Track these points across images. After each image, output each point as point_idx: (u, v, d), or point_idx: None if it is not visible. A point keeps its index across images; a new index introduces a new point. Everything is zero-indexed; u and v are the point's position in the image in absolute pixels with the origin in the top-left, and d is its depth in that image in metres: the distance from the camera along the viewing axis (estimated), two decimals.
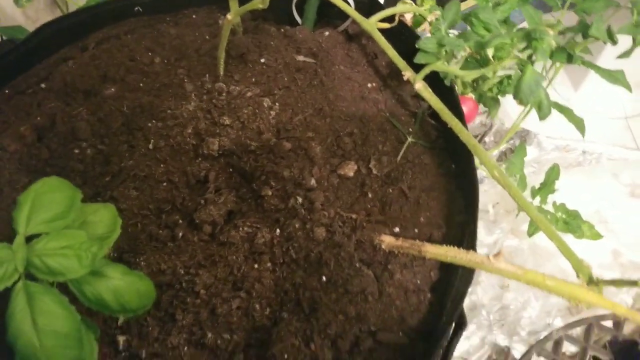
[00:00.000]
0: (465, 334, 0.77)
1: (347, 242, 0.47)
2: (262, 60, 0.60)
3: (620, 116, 0.91)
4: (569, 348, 0.72)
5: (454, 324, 0.40)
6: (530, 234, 0.74)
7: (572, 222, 0.78)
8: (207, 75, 0.60)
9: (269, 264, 0.48)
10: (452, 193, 0.52)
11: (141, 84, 0.60)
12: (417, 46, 0.49)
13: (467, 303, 0.78)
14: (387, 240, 0.46)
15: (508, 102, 0.88)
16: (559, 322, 0.77)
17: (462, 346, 0.75)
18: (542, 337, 0.70)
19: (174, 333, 0.45)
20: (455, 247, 0.42)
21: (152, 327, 0.45)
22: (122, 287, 0.35)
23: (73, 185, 0.36)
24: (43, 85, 0.61)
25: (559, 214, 0.77)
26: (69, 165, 0.54)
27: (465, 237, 0.46)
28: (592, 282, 0.39)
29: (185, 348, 0.45)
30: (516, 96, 0.45)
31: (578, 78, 0.94)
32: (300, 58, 0.61)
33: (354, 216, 0.50)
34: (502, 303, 0.79)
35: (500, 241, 0.83)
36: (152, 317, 0.46)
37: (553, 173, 0.76)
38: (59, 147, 0.55)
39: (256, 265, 0.48)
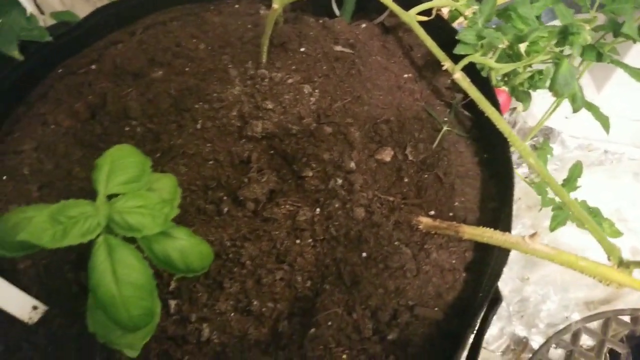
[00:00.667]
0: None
1: (386, 222, 0.50)
2: (302, 49, 0.63)
3: None
4: (586, 341, 0.75)
5: (489, 300, 0.43)
6: (552, 228, 0.77)
7: (593, 219, 0.80)
8: (250, 62, 0.63)
9: (310, 240, 0.51)
10: (485, 181, 0.54)
11: (187, 69, 0.63)
12: (457, 37, 0.51)
13: None
14: (424, 221, 0.49)
15: (532, 101, 0.90)
16: (576, 317, 0.80)
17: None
18: (560, 329, 0.73)
19: (222, 300, 0.48)
20: (491, 229, 0.44)
21: (201, 294, 0.48)
22: (188, 247, 0.38)
23: (142, 154, 0.39)
24: (93, 67, 0.64)
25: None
26: (120, 142, 0.56)
27: (500, 222, 0.48)
28: (622, 264, 0.41)
29: (232, 314, 0.47)
30: (552, 88, 0.48)
31: (601, 81, 0.96)
32: (338, 48, 0.64)
33: (391, 199, 0.52)
34: (522, 295, 0.81)
35: (521, 235, 0.85)
36: (201, 284, 0.48)
37: (576, 170, 0.78)
38: (111, 125, 0.58)
39: (298, 241, 0.51)
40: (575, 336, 0.72)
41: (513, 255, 0.86)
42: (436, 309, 0.46)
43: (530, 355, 0.73)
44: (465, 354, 0.43)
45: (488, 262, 0.46)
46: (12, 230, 0.35)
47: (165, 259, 0.37)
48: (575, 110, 0.51)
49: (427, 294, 0.46)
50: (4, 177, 0.56)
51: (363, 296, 0.45)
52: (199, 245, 0.39)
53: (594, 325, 0.73)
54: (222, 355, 0.45)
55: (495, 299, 0.43)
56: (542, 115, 0.72)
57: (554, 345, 0.72)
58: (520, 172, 0.85)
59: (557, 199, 0.77)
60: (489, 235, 0.44)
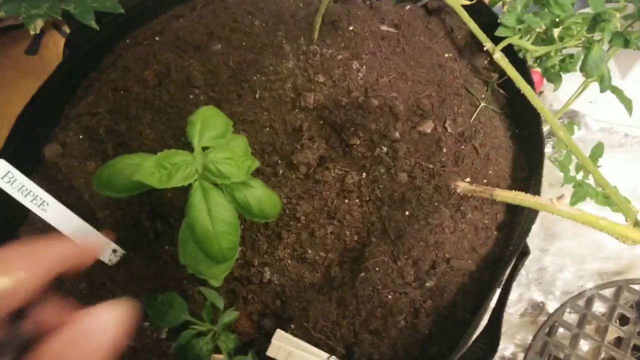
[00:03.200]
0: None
1: (427, 186, 0.56)
2: (351, 28, 0.68)
3: None
4: (599, 308, 0.81)
5: (518, 253, 0.49)
6: (573, 203, 0.82)
7: (609, 197, 0.85)
8: (302, 38, 0.68)
9: (357, 200, 0.57)
10: (516, 153, 0.60)
11: (244, 43, 0.68)
12: (499, 21, 0.56)
13: None
14: (462, 185, 0.55)
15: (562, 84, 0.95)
16: (590, 286, 0.85)
17: None
18: (575, 295, 0.78)
19: (280, 248, 0.54)
20: (522, 192, 0.50)
21: (262, 242, 0.54)
22: (263, 196, 0.44)
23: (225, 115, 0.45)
24: (157, 38, 0.70)
25: (599, 189, 0.84)
26: (186, 107, 0.63)
27: (530, 188, 0.54)
28: (638, 224, 0.47)
29: (289, 261, 0.54)
30: (582, 69, 0.53)
31: (626, 68, 1.00)
32: (384, 28, 0.69)
33: (431, 166, 0.58)
34: (540, 265, 0.87)
35: (542, 211, 0.90)
36: (262, 235, 0.55)
37: (597, 150, 0.83)
38: (177, 92, 0.64)
39: (346, 201, 0.57)
40: (589, 301, 0.78)
41: (534, 228, 0.92)
42: (470, 261, 0.52)
43: (546, 318, 0.79)
44: (495, 299, 0.50)
45: (518, 222, 0.52)
46: (119, 174, 0.42)
47: (244, 205, 0.43)
48: (602, 91, 0.56)
49: (462, 248, 0.52)
50: (81, 136, 0.63)
51: (406, 248, 0.52)
52: (271, 195, 0.45)
53: (607, 292, 0.79)
54: (282, 294, 0.52)
55: (524, 252, 0.49)
56: (567, 99, 0.77)
57: (568, 310, 0.79)
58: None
59: (578, 177, 0.82)
60: (520, 197, 0.50)
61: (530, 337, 0.79)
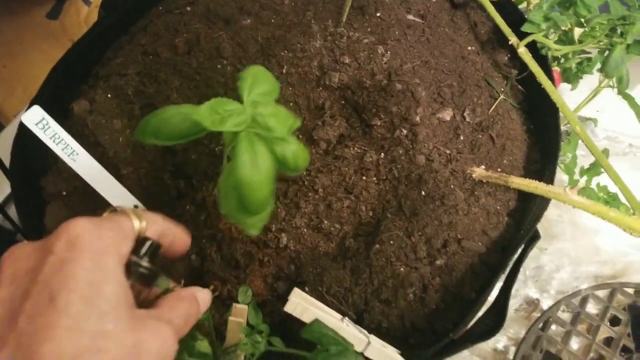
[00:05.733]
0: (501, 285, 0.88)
1: (443, 169, 0.58)
2: (378, 14, 0.70)
3: None
4: (592, 308, 0.83)
5: (529, 237, 0.51)
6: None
7: (611, 202, 0.87)
8: (330, 20, 0.70)
9: (374, 178, 0.59)
10: (530, 146, 0.62)
11: (272, 20, 0.70)
12: (526, 17, 0.58)
13: None
14: (478, 171, 0.57)
15: (566, 90, 0.97)
16: (585, 287, 0.88)
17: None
18: (570, 293, 0.81)
19: (298, 217, 0.56)
20: (536, 181, 0.52)
21: (280, 210, 0.56)
22: (298, 150, 0.45)
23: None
24: (189, 9, 0.72)
25: (600, 194, 0.86)
26: (213, 76, 0.65)
27: (543, 178, 0.56)
28: None
29: (305, 230, 0.56)
30: (603, 69, 0.55)
31: (633, 82, 1.03)
32: (410, 17, 0.71)
33: (448, 151, 0.60)
34: (538, 263, 0.89)
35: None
36: (281, 203, 0.57)
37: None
38: (205, 61, 0.66)
39: (364, 178, 0.59)
40: (584, 300, 0.80)
41: None
42: (480, 243, 0.54)
43: (540, 314, 0.81)
44: (503, 280, 0.52)
45: (529, 210, 0.54)
46: (166, 122, 0.43)
47: (282, 159, 0.45)
48: (620, 91, 0.59)
49: (474, 231, 0.54)
50: (109, 95, 0.65)
51: (420, 225, 0.54)
52: (304, 150, 0.47)
53: (601, 293, 0.81)
54: (297, 259, 0.54)
55: (534, 237, 0.51)
56: (576, 105, 0.79)
57: (563, 308, 0.81)
58: None
59: (582, 181, 0.85)
60: (534, 185, 0.52)
61: (523, 332, 0.81)
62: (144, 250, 0.34)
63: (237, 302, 0.44)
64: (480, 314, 0.51)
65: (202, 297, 0.38)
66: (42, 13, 1.11)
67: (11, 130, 0.95)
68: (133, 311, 0.30)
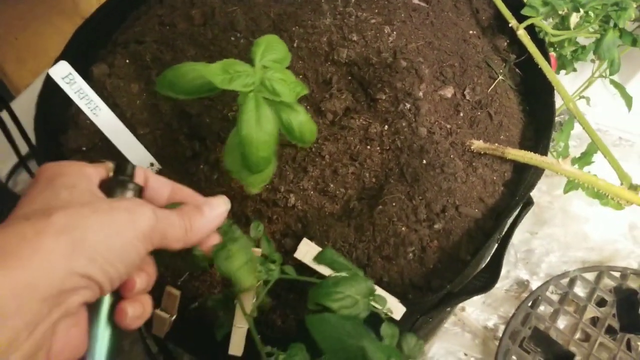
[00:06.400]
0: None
1: (444, 141, 0.61)
2: None
3: None
4: (580, 289, 0.87)
5: (522, 204, 0.54)
6: (566, 191, 0.88)
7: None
8: (340, 0, 0.73)
9: (378, 148, 0.62)
10: (526, 125, 0.66)
11: None
12: (524, 0, 0.62)
13: None
14: (476, 143, 0.60)
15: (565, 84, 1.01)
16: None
17: None
18: (559, 274, 0.85)
19: (305, 180, 0.59)
20: (531, 152, 0.56)
21: (289, 173, 0.59)
22: (304, 121, 0.49)
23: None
24: None
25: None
26: (227, 48, 0.68)
27: (537, 152, 0.60)
28: (632, 187, 0.52)
29: (312, 192, 0.59)
30: (596, 52, 0.59)
31: (626, 78, 1.07)
32: (416, 1, 0.74)
33: (448, 126, 0.63)
34: (528, 246, 0.93)
35: (535, 198, 0.96)
36: (289, 167, 0.60)
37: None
38: (220, 33, 0.69)
39: (368, 147, 0.62)
40: (572, 281, 0.84)
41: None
42: (477, 210, 0.57)
43: (529, 294, 0.85)
44: (496, 244, 0.55)
45: (524, 180, 0.58)
46: (182, 76, 0.46)
47: (287, 126, 0.48)
48: (611, 73, 0.62)
49: (471, 198, 0.58)
50: (127, 60, 0.67)
51: (421, 190, 0.57)
52: (311, 122, 0.50)
53: (589, 275, 0.85)
54: (304, 218, 0.57)
55: (528, 202, 0.55)
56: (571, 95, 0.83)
57: (552, 288, 0.84)
58: None
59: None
60: (529, 156, 0.56)
61: (514, 311, 0.85)
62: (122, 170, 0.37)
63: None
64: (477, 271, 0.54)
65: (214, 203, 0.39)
66: None
67: (23, 100, 0.98)
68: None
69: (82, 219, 0.29)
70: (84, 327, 0.31)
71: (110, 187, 0.35)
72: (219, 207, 0.39)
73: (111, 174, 0.37)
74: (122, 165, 0.37)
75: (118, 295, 0.34)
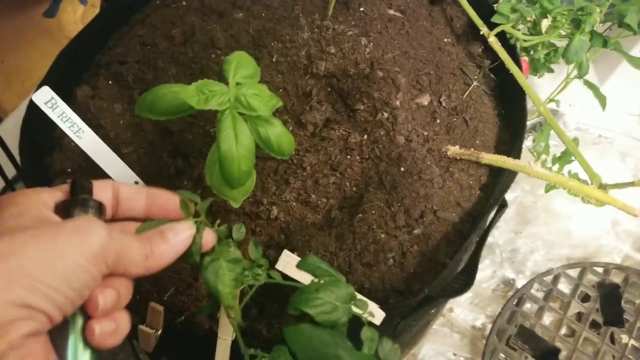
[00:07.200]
0: (480, 266, 0.93)
1: (421, 148, 0.63)
2: (361, 9, 0.75)
3: (635, 113, 1.07)
4: (564, 286, 0.88)
5: (497, 207, 0.56)
6: (547, 190, 0.90)
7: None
8: (317, 14, 0.75)
9: (357, 157, 0.64)
10: (501, 129, 0.67)
11: (263, 14, 0.75)
12: (495, 7, 0.64)
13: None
14: (452, 149, 0.62)
15: (540, 84, 1.03)
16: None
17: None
18: (544, 272, 0.86)
19: (287, 191, 0.60)
20: (505, 156, 0.58)
21: (271, 185, 0.61)
22: (282, 134, 0.50)
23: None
24: (184, 3, 0.76)
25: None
26: (208, 65, 0.69)
27: (511, 155, 0.62)
28: (601, 186, 0.54)
29: (294, 203, 0.60)
30: (564, 55, 0.61)
31: (603, 77, 1.09)
32: (391, 12, 0.76)
33: (425, 133, 0.65)
34: (513, 246, 0.95)
35: (519, 198, 0.98)
36: (272, 179, 0.61)
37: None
38: (200, 51, 0.70)
39: (348, 157, 0.64)
40: (556, 278, 0.85)
41: (509, 212, 1.00)
42: (454, 214, 0.59)
43: (514, 292, 0.87)
44: (473, 246, 0.57)
45: (499, 183, 0.60)
46: (160, 98, 0.48)
47: (265, 140, 0.50)
48: (581, 76, 0.64)
49: (448, 203, 0.59)
50: (110, 82, 0.69)
51: (399, 197, 0.58)
52: (288, 135, 0.52)
53: (572, 272, 0.87)
54: (287, 229, 0.58)
55: (502, 205, 0.56)
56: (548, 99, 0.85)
57: (536, 286, 0.86)
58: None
59: (554, 168, 0.91)
60: (502, 160, 0.58)
61: (500, 310, 0.86)
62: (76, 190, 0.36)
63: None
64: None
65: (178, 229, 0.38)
66: (40, 11, 1.15)
67: (10, 123, 0.99)
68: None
69: (20, 246, 0.28)
70: (39, 358, 0.28)
71: (66, 208, 0.34)
72: (183, 232, 0.38)
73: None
74: (77, 184, 0.36)
75: (87, 315, 0.33)
